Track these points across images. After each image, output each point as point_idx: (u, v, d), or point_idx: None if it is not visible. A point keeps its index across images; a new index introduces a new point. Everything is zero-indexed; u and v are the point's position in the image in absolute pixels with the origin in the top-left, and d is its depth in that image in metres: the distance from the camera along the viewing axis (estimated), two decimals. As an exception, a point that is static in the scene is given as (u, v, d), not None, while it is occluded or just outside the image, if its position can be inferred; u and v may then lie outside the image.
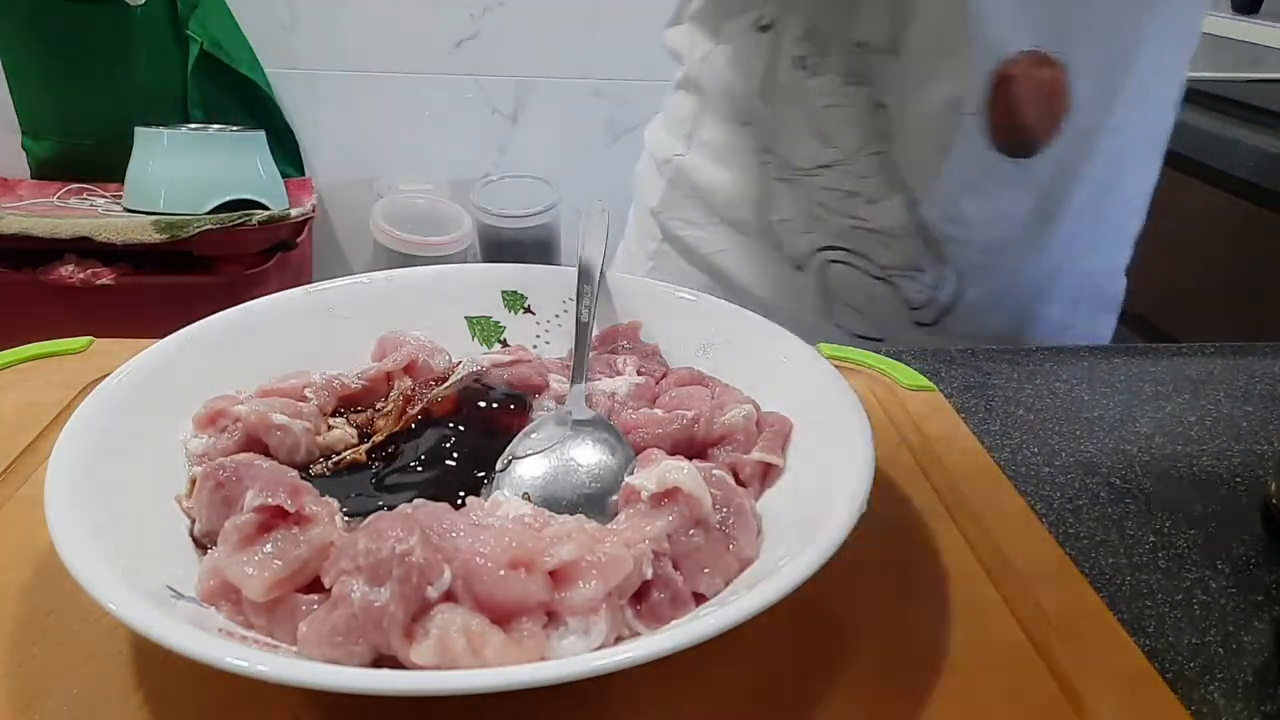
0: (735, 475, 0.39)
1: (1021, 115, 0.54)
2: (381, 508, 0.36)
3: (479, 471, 0.39)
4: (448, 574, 0.29)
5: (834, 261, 0.63)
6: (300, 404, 0.42)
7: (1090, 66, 0.55)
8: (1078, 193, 0.62)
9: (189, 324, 0.44)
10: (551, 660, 0.29)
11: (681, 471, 0.35)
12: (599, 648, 0.30)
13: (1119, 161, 0.64)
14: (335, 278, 0.50)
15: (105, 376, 0.39)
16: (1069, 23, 0.53)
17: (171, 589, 0.31)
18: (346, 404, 0.44)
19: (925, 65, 0.55)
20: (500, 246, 1.84)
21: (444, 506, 0.35)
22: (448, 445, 0.40)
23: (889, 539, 0.40)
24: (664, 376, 0.47)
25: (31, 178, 1.65)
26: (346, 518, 0.34)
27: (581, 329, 0.47)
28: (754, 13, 0.62)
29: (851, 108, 0.58)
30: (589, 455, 0.40)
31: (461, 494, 0.37)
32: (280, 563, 0.31)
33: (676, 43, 0.71)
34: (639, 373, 0.46)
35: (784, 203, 0.64)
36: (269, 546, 0.32)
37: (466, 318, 0.51)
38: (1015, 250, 0.64)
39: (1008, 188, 0.58)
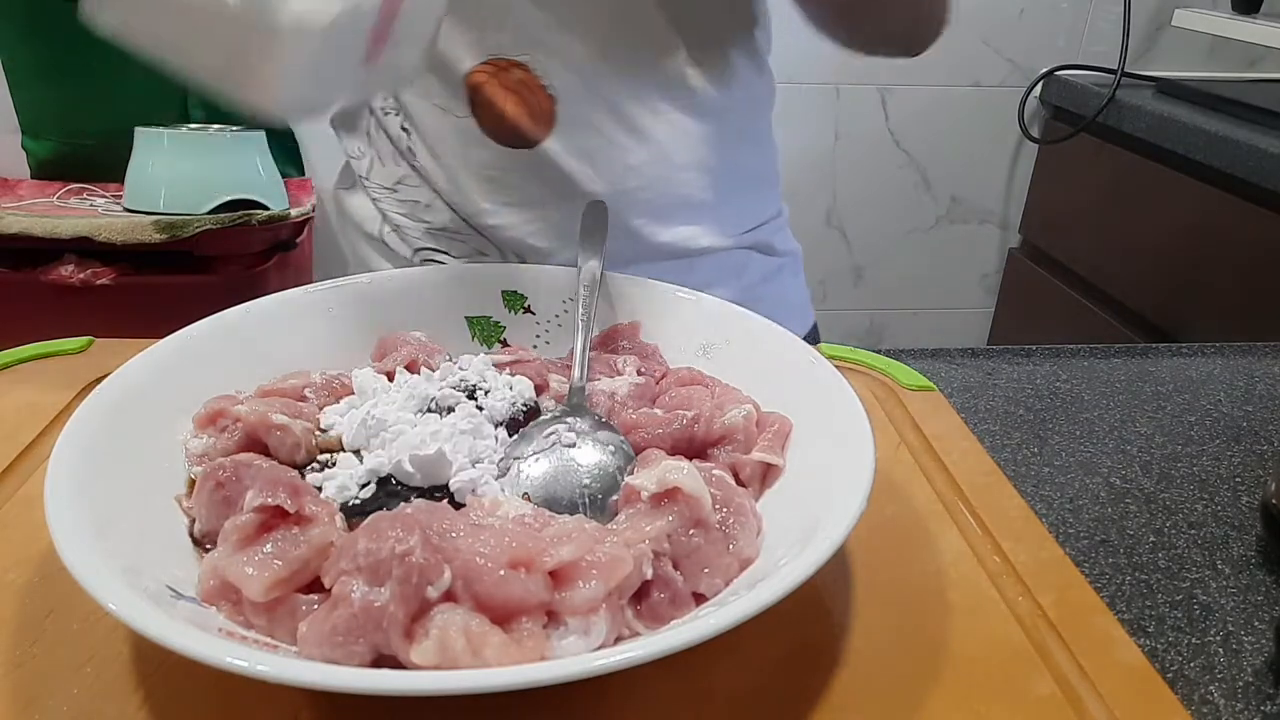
0: (735, 475, 0.39)
1: (502, 113, 0.62)
2: (381, 508, 0.36)
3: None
4: (448, 574, 0.29)
5: (428, 261, 0.70)
6: (300, 404, 0.42)
7: (564, 63, 0.62)
8: (630, 177, 0.67)
9: (189, 324, 0.44)
10: (551, 660, 0.29)
11: (681, 471, 0.35)
12: (599, 648, 0.30)
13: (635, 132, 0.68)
14: (335, 278, 0.50)
15: (105, 376, 0.39)
16: (511, 36, 0.61)
17: (171, 589, 0.31)
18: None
19: (422, 88, 0.64)
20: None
21: (444, 506, 0.35)
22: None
23: (889, 539, 0.40)
24: (664, 376, 0.47)
25: (31, 178, 1.65)
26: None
27: (582, 329, 0.47)
28: None
29: (390, 132, 0.67)
30: (589, 455, 0.40)
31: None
32: (280, 563, 0.31)
33: None
34: (639, 373, 0.46)
35: (387, 219, 0.73)
36: (269, 546, 0.32)
37: (466, 318, 0.51)
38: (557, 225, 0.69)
39: (531, 178, 0.65)
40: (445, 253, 0.69)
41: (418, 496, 0.37)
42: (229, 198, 1.45)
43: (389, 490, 0.37)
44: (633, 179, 0.66)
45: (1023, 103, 1.61)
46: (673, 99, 0.65)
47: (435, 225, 0.69)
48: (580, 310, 0.48)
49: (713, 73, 0.66)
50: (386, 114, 0.67)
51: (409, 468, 0.37)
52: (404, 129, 0.66)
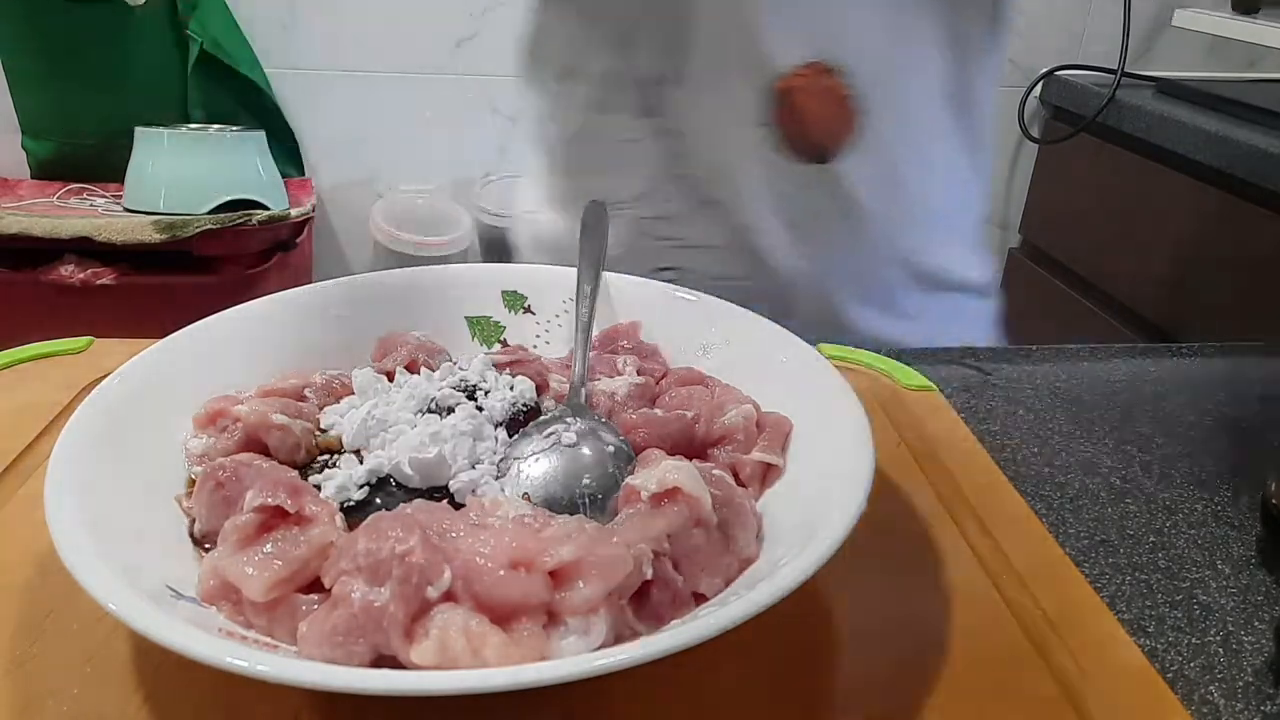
0: (735, 475, 0.39)
1: (808, 124, 0.57)
2: (380, 507, 0.36)
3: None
4: (448, 574, 0.29)
5: (671, 282, 0.67)
6: (300, 404, 0.42)
7: (869, 72, 0.58)
8: (901, 195, 0.64)
9: (189, 324, 0.44)
10: (551, 660, 0.29)
11: (681, 471, 0.35)
12: (599, 648, 0.30)
13: (918, 156, 0.65)
14: (335, 278, 0.50)
15: (105, 376, 0.39)
16: (838, 36, 0.56)
17: (171, 589, 0.31)
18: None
19: (709, 89, 0.58)
20: (500, 246, 1.84)
21: (444, 506, 0.35)
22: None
23: (889, 539, 0.40)
24: (664, 376, 0.47)
25: (31, 178, 1.65)
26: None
27: (582, 329, 0.47)
28: (552, 65, 0.67)
29: (645, 139, 0.61)
30: (589, 455, 0.40)
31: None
32: (280, 563, 0.31)
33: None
34: (639, 373, 0.46)
35: (613, 237, 0.68)
36: (269, 546, 0.32)
37: (466, 318, 0.51)
38: (840, 251, 0.66)
39: (815, 193, 0.60)
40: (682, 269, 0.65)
41: (417, 497, 0.37)
42: (229, 198, 1.45)
43: (388, 491, 0.37)
44: (909, 201, 0.63)
45: (1022, 103, 1.61)
46: (955, 119, 0.63)
47: (688, 243, 0.64)
48: (580, 310, 0.48)
49: (985, 94, 0.63)
50: (641, 115, 0.62)
51: (408, 470, 0.37)
52: (670, 131, 0.61)
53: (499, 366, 0.45)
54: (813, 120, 0.57)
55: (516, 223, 0.81)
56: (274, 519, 0.32)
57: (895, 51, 0.59)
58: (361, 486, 0.37)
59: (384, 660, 0.29)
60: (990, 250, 0.75)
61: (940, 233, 0.67)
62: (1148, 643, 0.37)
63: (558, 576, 0.31)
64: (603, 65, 0.63)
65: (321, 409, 0.43)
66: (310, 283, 0.49)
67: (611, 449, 0.40)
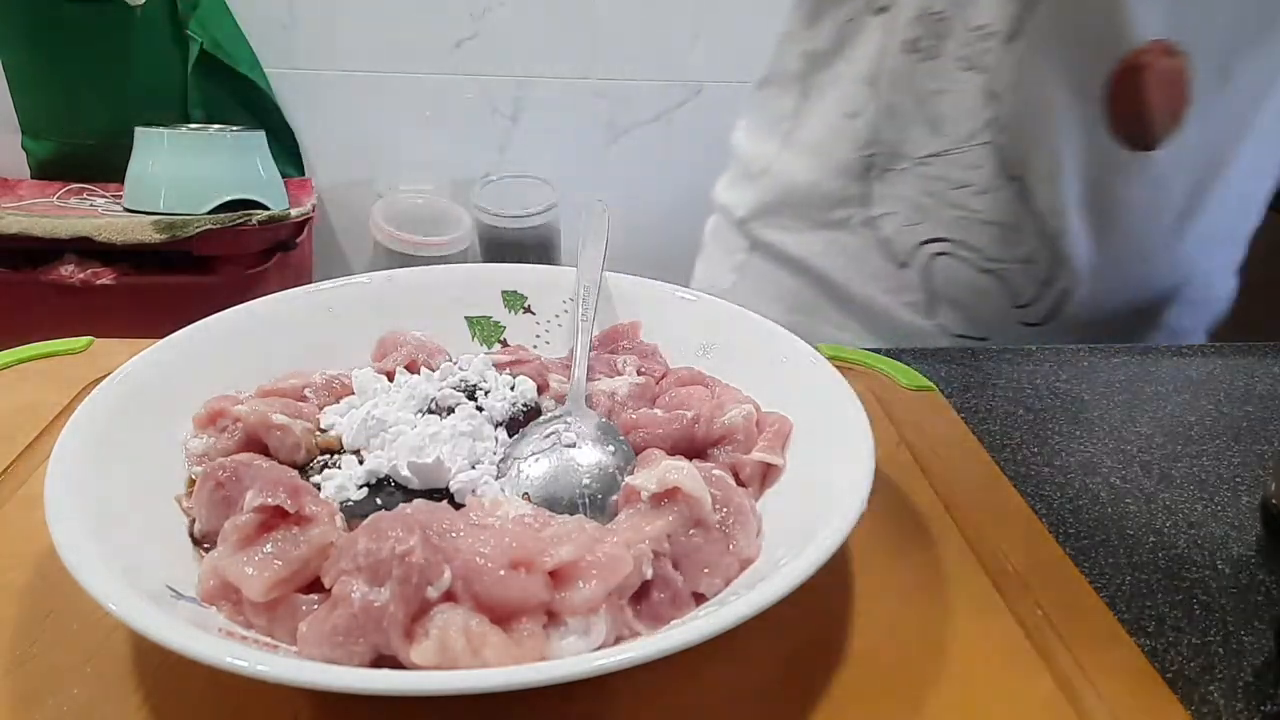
0: (735, 475, 0.39)
1: (1146, 106, 0.53)
2: (380, 508, 0.36)
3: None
4: (448, 574, 0.29)
5: (940, 255, 0.62)
6: (300, 404, 0.42)
7: (1209, 57, 0.54)
8: (1219, 190, 0.60)
9: (189, 324, 0.44)
10: (551, 660, 0.29)
11: (681, 471, 0.35)
12: (599, 648, 0.30)
13: (1250, 157, 0.62)
14: (335, 278, 0.50)
15: (105, 376, 0.39)
16: (1195, 13, 0.51)
17: (171, 589, 0.31)
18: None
19: (1047, 52, 0.53)
20: (500, 246, 1.84)
21: (444, 506, 0.35)
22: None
23: (889, 539, 0.40)
24: (664, 376, 0.47)
25: (31, 178, 1.65)
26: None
27: (582, 329, 0.47)
28: None
29: (965, 95, 0.56)
30: (589, 455, 0.40)
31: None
32: (280, 563, 0.31)
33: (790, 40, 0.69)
34: (639, 373, 0.46)
35: (889, 196, 0.62)
36: (269, 546, 0.32)
37: (466, 318, 0.51)
38: (1145, 248, 0.62)
39: (1135, 182, 0.56)
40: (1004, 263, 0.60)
41: (417, 497, 0.37)
42: (229, 198, 1.45)
43: (388, 491, 0.37)
44: (1228, 199, 0.60)
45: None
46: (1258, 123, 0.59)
47: (984, 216, 0.59)
48: (580, 310, 0.48)
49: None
50: (964, 67, 0.56)
51: (406, 473, 0.37)
52: (993, 91, 0.55)
53: (499, 366, 0.45)
54: (1154, 104, 0.52)
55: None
56: (274, 519, 0.32)
57: (1260, 34, 0.53)
58: (361, 486, 0.37)
59: (384, 660, 0.29)
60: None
61: (1225, 241, 0.64)
62: (1148, 643, 0.37)
63: (558, 576, 0.31)
64: (925, 3, 0.57)
65: (321, 409, 0.43)
66: (310, 283, 0.49)
67: (611, 449, 0.40)
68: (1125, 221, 0.59)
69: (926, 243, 0.61)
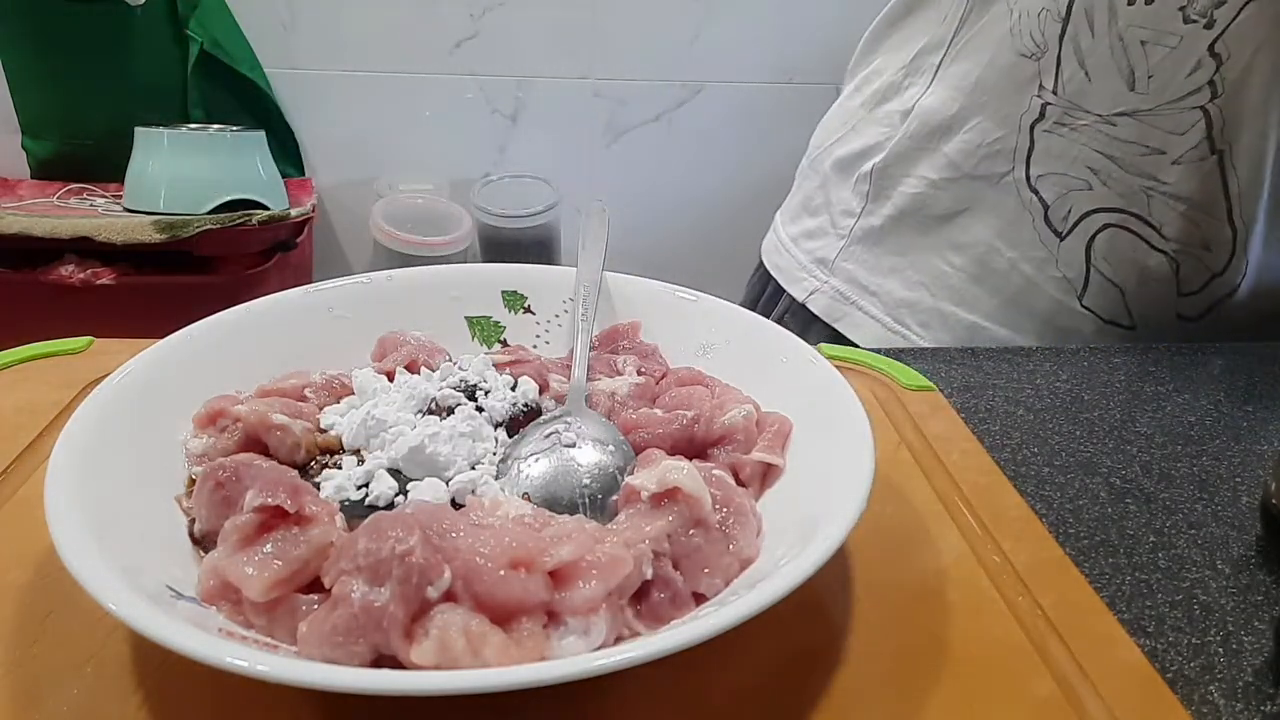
0: (735, 475, 0.39)
1: None
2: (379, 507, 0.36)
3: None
4: (448, 574, 0.29)
5: (1109, 225, 0.55)
6: (300, 404, 0.42)
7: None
8: None
9: (189, 324, 0.44)
10: (551, 660, 0.29)
11: (681, 471, 0.35)
12: (599, 648, 0.30)
13: None
14: (335, 278, 0.50)
15: (105, 376, 0.39)
16: None
17: (171, 589, 0.31)
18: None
19: None
20: (500, 246, 1.84)
21: (444, 506, 0.35)
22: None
23: (889, 539, 0.40)
24: (664, 376, 0.47)
25: (31, 178, 1.65)
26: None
27: (582, 329, 0.47)
28: None
29: (1183, 50, 0.49)
30: (589, 455, 0.40)
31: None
32: (280, 563, 0.31)
33: None
34: (639, 373, 0.46)
35: (1058, 153, 0.55)
36: (269, 546, 0.32)
37: (466, 318, 0.51)
38: None
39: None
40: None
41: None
42: (229, 198, 1.45)
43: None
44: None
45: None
46: None
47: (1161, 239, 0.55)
48: (580, 310, 0.48)
49: None
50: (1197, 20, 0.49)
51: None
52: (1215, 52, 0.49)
53: (499, 366, 0.45)
54: None
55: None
56: (274, 519, 0.32)
57: None
58: (361, 486, 0.37)
59: (384, 660, 0.29)
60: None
61: None
62: (1148, 643, 0.37)
63: (558, 576, 0.31)
64: None
65: (321, 409, 0.43)
66: (310, 283, 0.49)
67: (611, 449, 0.40)
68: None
69: (1095, 212, 0.54)
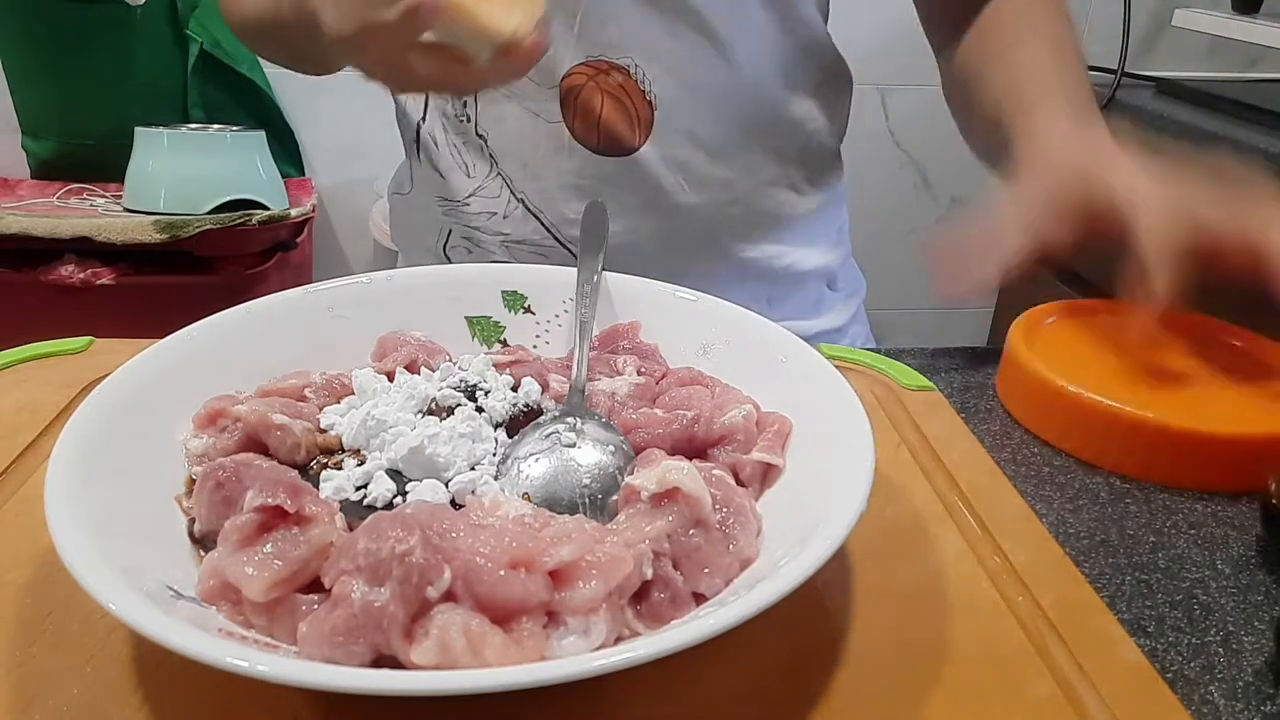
0: (735, 475, 0.39)
1: (597, 117, 0.59)
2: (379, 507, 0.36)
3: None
4: (448, 574, 0.29)
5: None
6: (300, 404, 0.42)
7: (666, 69, 0.59)
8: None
9: (189, 324, 0.44)
10: (551, 660, 0.29)
11: (681, 471, 0.35)
12: (599, 648, 0.30)
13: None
14: (335, 278, 0.50)
15: (105, 376, 0.39)
16: (617, 39, 0.58)
17: (171, 589, 0.31)
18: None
19: (512, 88, 0.60)
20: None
21: (444, 506, 0.35)
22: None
23: (889, 539, 0.40)
24: (664, 376, 0.47)
25: (31, 178, 1.65)
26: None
27: (582, 329, 0.47)
28: None
29: (470, 140, 0.64)
30: (589, 455, 0.40)
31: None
32: (280, 563, 0.31)
33: None
34: (639, 373, 0.46)
35: (453, 233, 0.69)
36: (269, 546, 0.32)
37: (466, 318, 0.51)
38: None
39: (622, 187, 0.61)
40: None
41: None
42: (229, 198, 1.45)
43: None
44: (724, 192, 0.65)
45: (1023, 103, 1.60)
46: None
47: (514, 237, 0.66)
48: (580, 310, 0.48)
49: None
50: (462, 121, 0.64)
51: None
52: (480, 135, 0.63)
53: (499, 366, 0.45)
54: (602, 114, 0.59)
55: None
56: (274, 519, 0.32)
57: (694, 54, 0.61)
58: (360, 487, 0.37)
59: (384, 660, 0.29)
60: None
61: (762, 223, 0.70)
62: (1148, 643, 0.37)
63: (558, 576, 0.31)
64: None
65: (321, 409, 0.43)
66: (310, 283, 0.49)
67: (611, 449, 0.40)
68: (621, 211, 0.63)
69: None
